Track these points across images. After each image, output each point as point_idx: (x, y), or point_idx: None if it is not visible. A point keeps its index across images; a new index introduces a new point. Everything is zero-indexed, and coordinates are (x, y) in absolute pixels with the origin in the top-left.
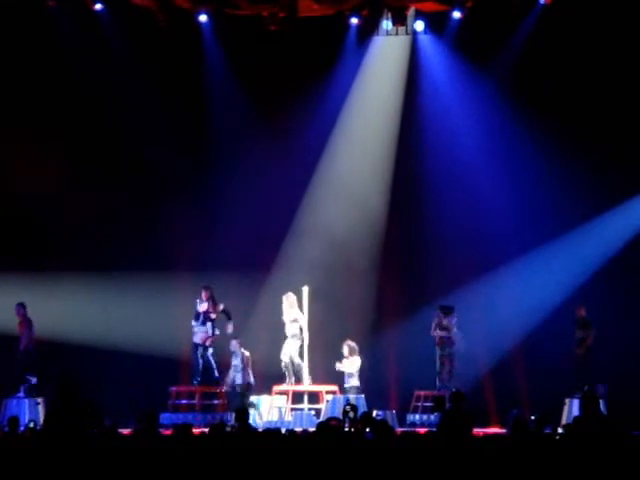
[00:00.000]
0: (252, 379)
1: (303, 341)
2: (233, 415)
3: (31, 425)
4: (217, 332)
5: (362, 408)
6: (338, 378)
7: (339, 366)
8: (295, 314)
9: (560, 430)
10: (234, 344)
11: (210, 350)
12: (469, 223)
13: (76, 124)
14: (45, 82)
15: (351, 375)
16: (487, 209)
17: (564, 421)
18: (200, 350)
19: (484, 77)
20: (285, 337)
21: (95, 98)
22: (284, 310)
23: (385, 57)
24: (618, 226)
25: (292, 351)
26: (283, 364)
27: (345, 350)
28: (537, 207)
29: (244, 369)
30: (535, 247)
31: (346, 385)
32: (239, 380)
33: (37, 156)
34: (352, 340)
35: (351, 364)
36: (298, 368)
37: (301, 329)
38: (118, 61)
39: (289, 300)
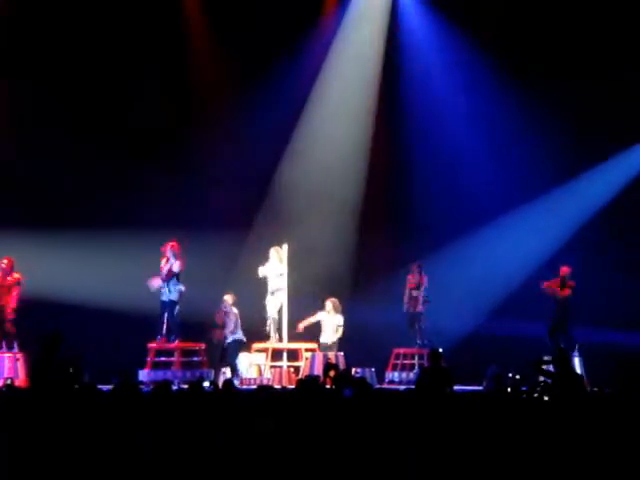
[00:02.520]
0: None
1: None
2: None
3: (8, 382)
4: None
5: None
6: (315, 335)
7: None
8: (282, 269)
9: (541, 379)
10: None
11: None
12: (452, 181)
13: (53, 78)
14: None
15: (328, 332)
16: (470, 166)
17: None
18: (176, 308)
19: (464, 34)
20: (266, 293)
21: (74, 53)
22: (273, 263)
23: (365, 14)
24: (600, 183)
25: (276, 307)
26: (269, 321)
27: (328, 306)
28: (520, 164)
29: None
30: (518, 205)
31: (322, 340)
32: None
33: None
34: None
35: (332, 319)
36: (278, 325)
37: (281, 278)
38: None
39: (279, 254)
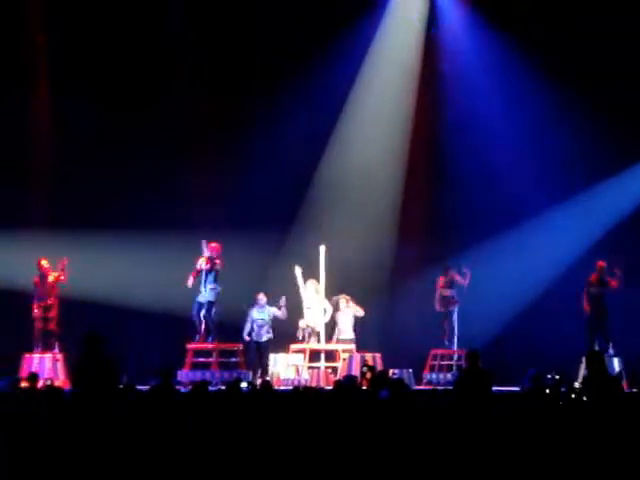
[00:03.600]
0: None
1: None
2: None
3: (48, 383)
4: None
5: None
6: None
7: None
8: (319, 301)
9: (577, 384)
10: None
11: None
12: (489, 181)
13: (89, 81)
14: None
15: (345, 329)
16: (507, 166)
17: (580, 379)
18: (213, 309)
19: (502, 33)
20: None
21: (111, 50)
22: (309, 294)
23: (404, 15)
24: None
25: (311, 319)
26: (306, 330)
27: (342, 304)
28: (557, 163)
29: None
30: (553, 204)
31: (340, 337)
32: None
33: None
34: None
35: (347, 315)
36: (313, 332)
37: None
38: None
39: (316, 286)
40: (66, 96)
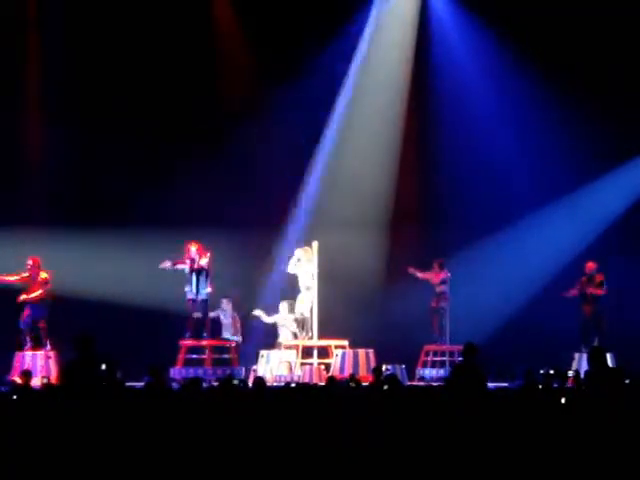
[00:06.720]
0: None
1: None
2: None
3: (44, 380)
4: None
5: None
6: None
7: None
8: (312, 269)
9: (570, 373)
10: (225, 302)
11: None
12: (483, 177)
13: (87, 78)
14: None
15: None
16: (501, 163)
17: (572, 372)
18: (206, 307)
19: (494, 30)
20: (299, 291)
21: (112, 50)
22: (302, 263)
23: (395, 9)
24: (631, 182)
25: (305, 307)
26: (296, 320)
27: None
28: (552, 161)
29: (233, 328)
30: (547, 203)
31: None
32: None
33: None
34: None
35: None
36: (307, 322)
37: (312, 277)
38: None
39: (308, 254)
40: (58, 90)
